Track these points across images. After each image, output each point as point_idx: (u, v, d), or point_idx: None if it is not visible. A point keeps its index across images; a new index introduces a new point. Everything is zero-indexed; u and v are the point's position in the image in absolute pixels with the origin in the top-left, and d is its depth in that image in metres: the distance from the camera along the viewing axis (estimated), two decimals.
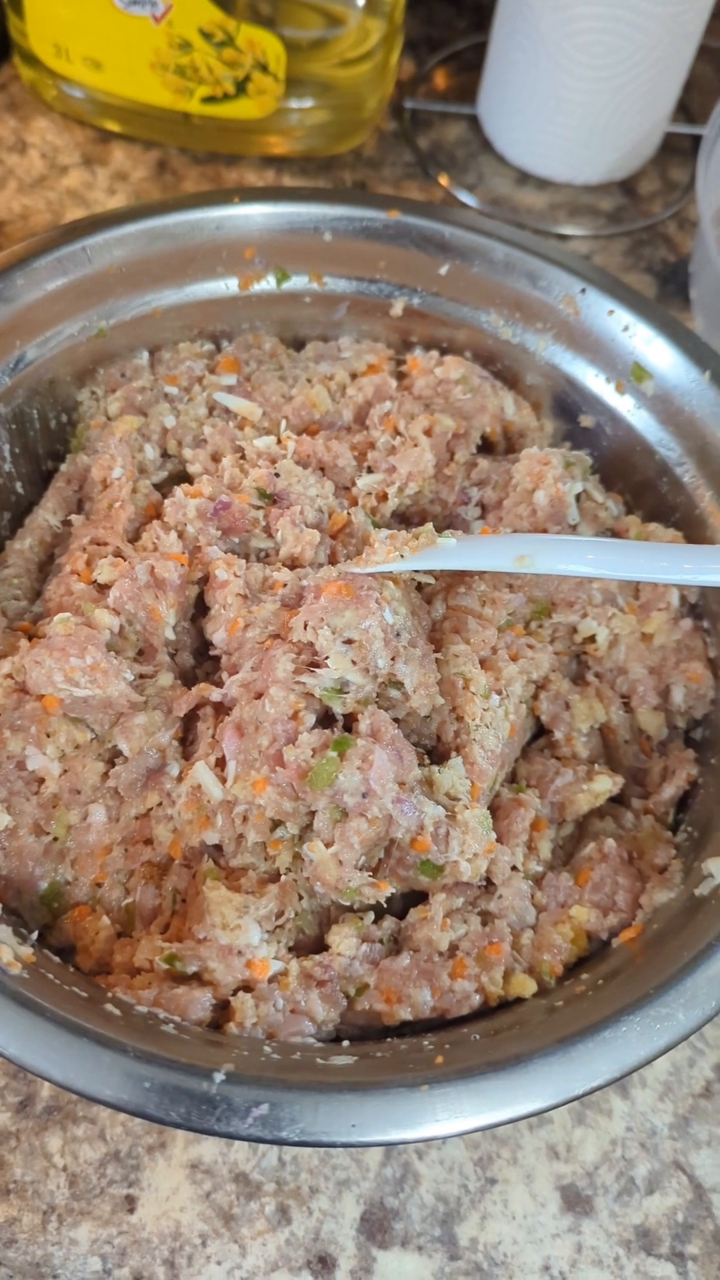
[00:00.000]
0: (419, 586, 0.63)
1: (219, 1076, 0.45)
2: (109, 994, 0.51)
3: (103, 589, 0.61)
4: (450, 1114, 0.44)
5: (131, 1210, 0.55)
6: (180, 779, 0.58)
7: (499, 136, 0.98)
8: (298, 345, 0.76)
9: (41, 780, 0.57)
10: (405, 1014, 0.53)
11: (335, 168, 0.96)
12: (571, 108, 0.90)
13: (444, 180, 0.97)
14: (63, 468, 0.69)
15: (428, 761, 0.59)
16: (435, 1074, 0.46)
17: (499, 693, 0.59)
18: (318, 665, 0.56)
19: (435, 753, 0.60)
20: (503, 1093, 0.45)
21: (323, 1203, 0.56)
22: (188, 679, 0.63)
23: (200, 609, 0.64)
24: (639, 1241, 0.57)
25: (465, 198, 0.96)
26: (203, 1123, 0.43)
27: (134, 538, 0.65)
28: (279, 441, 0.68)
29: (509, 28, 0.89)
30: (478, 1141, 0.58)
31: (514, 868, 0.58)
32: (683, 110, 1.03)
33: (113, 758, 0.59)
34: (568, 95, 0.89)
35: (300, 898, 0.56)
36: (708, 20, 0.87)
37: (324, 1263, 0.55)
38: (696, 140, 1.01)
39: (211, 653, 0.63)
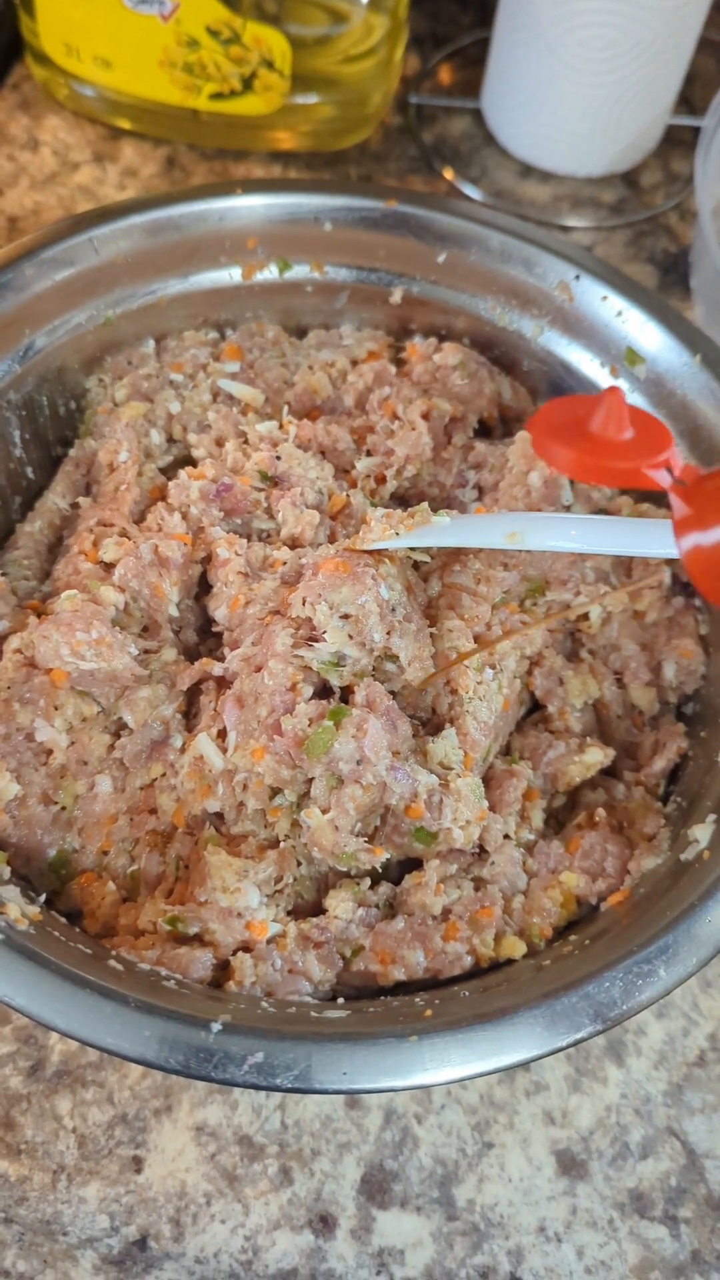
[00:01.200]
0: (415, 564, 0.64)
1: (216, 1026, 0.46)
2: (113, 952, 0.52)
3: (109, 568, 0.62)
4: (438, 1063, 0.46)
5: (138, 1170, 0.57)
6: (183, 750, 0.60)
7: (502, 130, 0.99)
8: (300, 333, 0.77)
9: (50, 751, 0.59)
10: (399, 974, 0.54)
11: (341, 162, 0.97)
12: (573, 101, 0.91)
13: (448, 174, 0.98)
14: (71, 453, 0.71)
15: (423, 732, 0.60)
16: (424, 1026, 0.47)
17: (492, 667, 0.61)
18: (316, 639, 0.58)
19: (430, 725, 0.61)
20: (489, 1043, 0.46)
21: (324, 1165, 0.58)
22: (191, 654, 0.65)
23: (203, 587, 0.65)
24: (633, 1205, 0.58)
25: (469, 191, 0.97)
26: (200, 1070, 0.45)
27: (139, 519, 0.66)
28: (281, 426, 0.70)
29: (511, 23, 0.90)
30: (475, 1107, 0.60)
31: (506, 835, 0.59)
32: (684, 103, 1.04)
33: (118, 730, 0.61)
34: (569, 89, 0.90)
35: (298, 864, 0.57)
36: (707, 13, 0.88)
37: (325, 1222, 0.56)
38: (698, 132, 1.02)
39: (214, 629, 0.64)
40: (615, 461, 0.53)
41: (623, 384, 0.70)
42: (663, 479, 0.52)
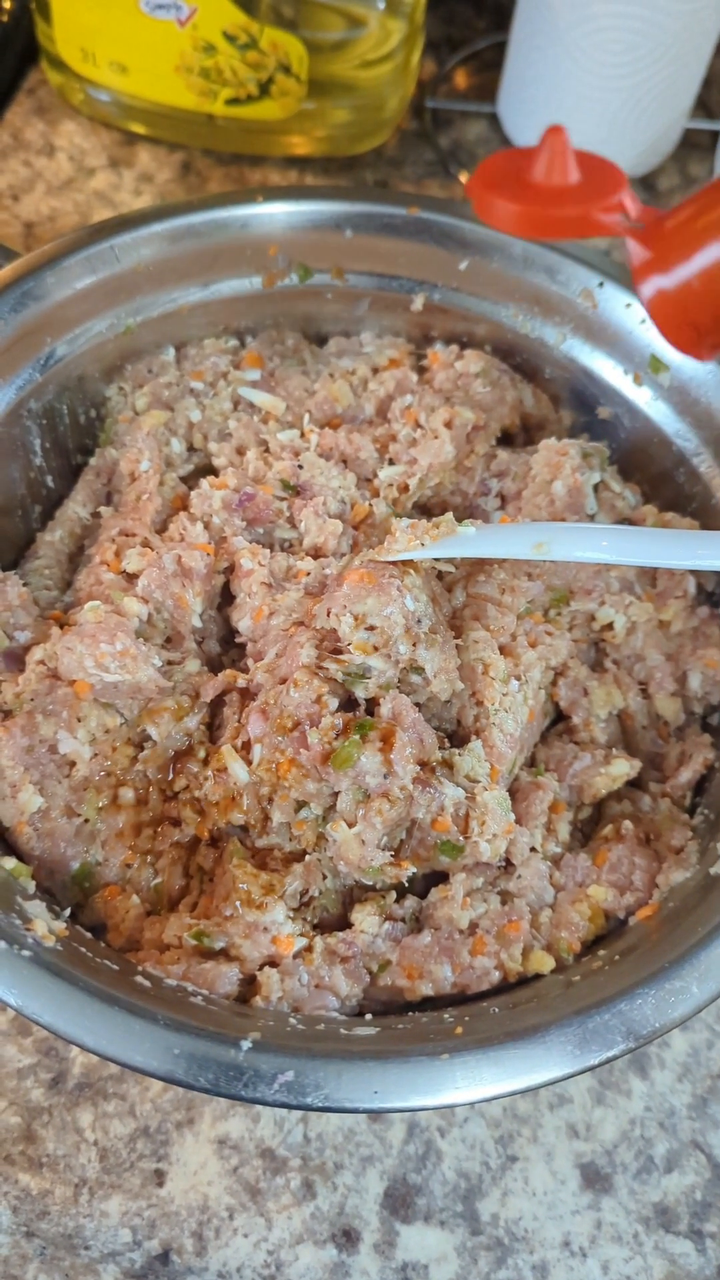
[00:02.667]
0: (439, 574, 0.64)
1: (246, 1044, 0.46)
2: (139, 968, 0.52)
3: (131, 578, 0.62)
4: (470, 1082, 0.46)
5: (160, 1184, 0.57)
6: (207, 762, 0.59)
7: (519, 134, 0.98)
8: (320, 340, 0.77)
9: (73, 763, 0.59)
10: (426, 989, 0.54)
11: (357, 167, 0.97)
12: (591, 105, 0.90)
13: (464, 178, 0.98)
14: (92, 461, 0.71)
15: (448, 745, 0.60)
16: (455, 1043, 0.47)
17: (518, 678, 0.60)
18: (340, 651, 0.58)
19: (455, 737, 0.61)
20: (521, 1061, 0.46)
21: (347, 1178, 0.57)
22: (214, 665, 0.64)
23: (226, 598, 0.65)
24: (657, 1219, 0.58)
25: None
26: (230, 1089, 0.45)
27: (161, 529, 0.66)
28: (302, 435, 0.70)
29: (528, 27, 0.90)
30: (498, 1120, 0.59)
31: (533, 849, 0.59)
32: (702, 106, 1.03)
33: (142, 741, 0.60)
34: (587, 93, 0.89)
35: (324, 877, 0.57)
36: None
37: (348, 1236, 0.56)
38: (715, 136, 1.01)
39: (237, 640, 0.64)
40: (563, 208, 0.48)
41: (646, 391, 0.69)
42: (617, 222, 0.48)
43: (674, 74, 0.88)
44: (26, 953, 0.48)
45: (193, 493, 0.66)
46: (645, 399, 0.70)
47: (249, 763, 0.57)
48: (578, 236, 0.51)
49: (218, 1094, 0.45)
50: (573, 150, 0.49)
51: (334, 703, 0.57)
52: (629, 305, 0.69)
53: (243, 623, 0.62)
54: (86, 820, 0.58)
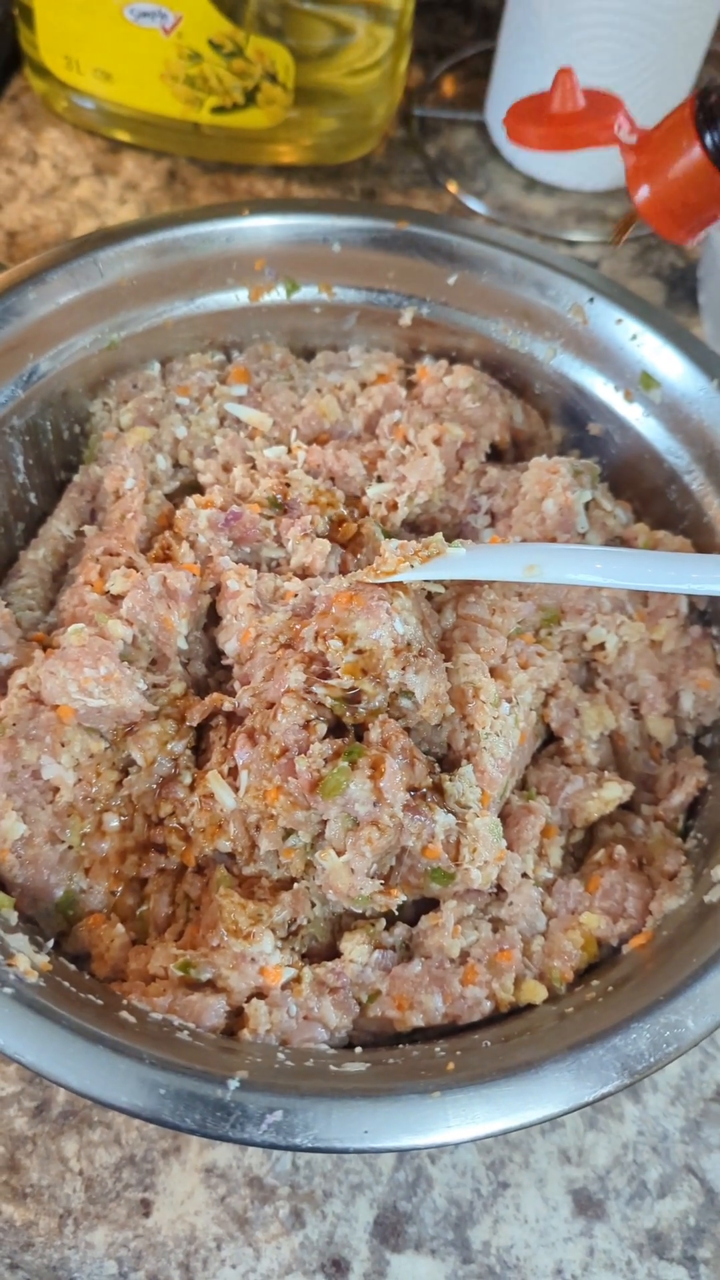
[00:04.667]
0: (429, 595, 0.63)
1: (233, 1083, 0.45)
2: (124, 1001, 0.51)
3: (116, 599, 0.61)
4: (462, 1120, 0.45)
5: (147, 1214, 0.56)
6: (193, 788, 0.59)
7: (507, 143, 0.98)
8: (308, 355, 0.76)
9: (56, 789, 0.58)
10: (417, 1020, 0.53)
11: (344, 176, 0.96)
12: None
13: (452, 187, 0.97)
14: (76, 478, 0.70)
15: (438, 769, 0.59)
16: (447, 1080, 0.46)
17: (509, 700, 0.60)
18: (329, 675, 0.57)
19: (446, 761, 0.60)
20: (514, 1099, 0.45)
21: (336, 1206, 0.57)
22: (200, 688, 0.64)
23: (212, 618, 0.64)
24: (651, 1245, 0.57)
25: (474, 204, 0.96)
26: (217, 1129, 0.44)
27: (146, 547, 0.65)
28: (289, 451, 0.69)
29: (516, 35, 0.90)
30: (490, 1146, 0.59)
31: (524, 875, 0.58)
32: None
33: (126, 767, 0.59)
34: None
35: (312, 905, 0.56)
36: (714, 26, 0.87)
37: (337, 1266, 0.55)
38: None
39: (224, 662, 0.63)
40: (575, 128, 0.63)
41: (637, 408, 0.69)
42: (623, 136, 0.63)
43: (662, 83, 0.88)
44: (8, 989, 0.47)
45: (178, 511, 0.66)
46: (636, 415, 0.69)
47: (236, 789, 0.56)
48: (587, 146, 0.64)
49: (204, 1135, 0.44)
50: (579, 85, 0.63)
51: (323, 728, 0.56)
52: (619, 321, 0.68)
53: (229, 645, 0.62)
54: (70, 847, 0.57)
